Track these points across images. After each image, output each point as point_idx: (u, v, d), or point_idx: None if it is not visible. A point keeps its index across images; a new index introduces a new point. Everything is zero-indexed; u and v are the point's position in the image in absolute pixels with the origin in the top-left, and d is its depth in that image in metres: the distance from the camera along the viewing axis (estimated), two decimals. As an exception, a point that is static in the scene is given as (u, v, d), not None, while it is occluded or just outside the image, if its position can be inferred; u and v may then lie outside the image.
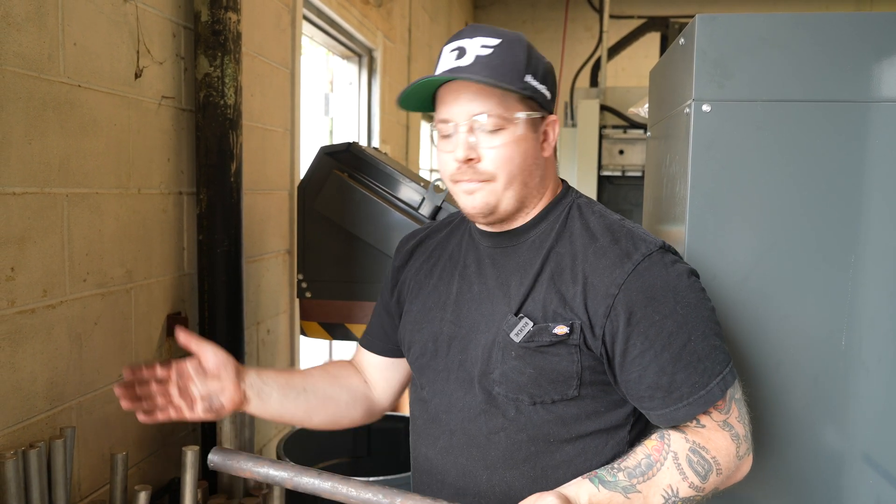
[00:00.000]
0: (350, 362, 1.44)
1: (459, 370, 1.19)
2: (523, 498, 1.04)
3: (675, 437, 1.08)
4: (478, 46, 1.11)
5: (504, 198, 1.14)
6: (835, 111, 1.34)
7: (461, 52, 1.12)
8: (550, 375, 1.11)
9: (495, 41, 1.12)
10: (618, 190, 4.29)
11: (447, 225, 1.35)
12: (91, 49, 1.72)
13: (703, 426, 1.09)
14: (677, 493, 1.05)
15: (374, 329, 1.41)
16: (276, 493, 2.00)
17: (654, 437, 1.09)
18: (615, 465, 1.06)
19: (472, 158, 1.11)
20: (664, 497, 1.04)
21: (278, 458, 2.16)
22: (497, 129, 1.11)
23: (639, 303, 1.07)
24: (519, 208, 1.17)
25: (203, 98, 2.12)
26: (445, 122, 1.14)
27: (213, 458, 1.15)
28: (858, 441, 1.37)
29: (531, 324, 1.11)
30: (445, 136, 1.15)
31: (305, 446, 2.29)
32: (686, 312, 1.08)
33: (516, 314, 1.13)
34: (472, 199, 1.14)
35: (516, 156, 1.12)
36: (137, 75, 1.91)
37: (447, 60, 1.13)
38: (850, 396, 1.38)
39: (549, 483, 1.12)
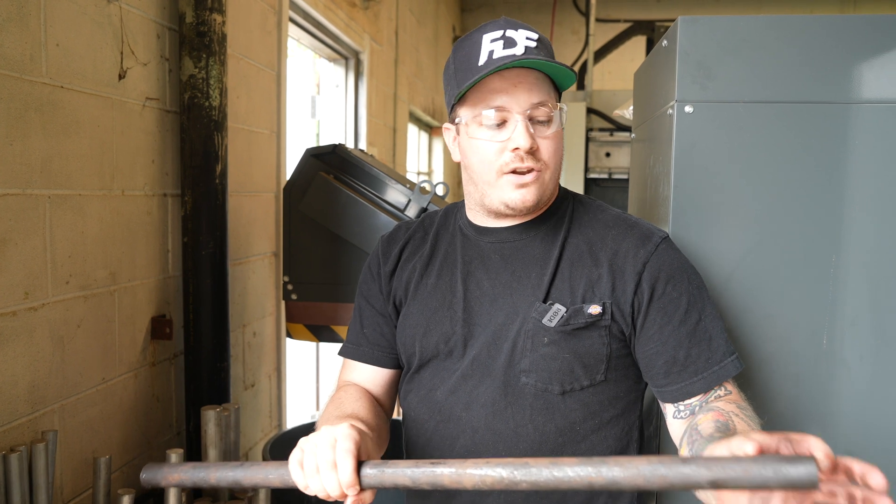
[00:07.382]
0: (363, 389, 1.30)
1: (478, 366, 1.18)
2: (550, 494, 1.09)
3: (720, 403, 1.06)
4: (524, 38, 1.13)
5: (548, 189, 1.17)
6: (816, 112, 1.36)
7: (509, 42, 1.12)
8: (584, 359, 1.13)
9: (535, 35, 1.14)
10: (604, 192, 4.30)
11: (429, 226, 1.33)
12: (74, 50, 1.70)
13: (730, 392, 1.10)
14: None
15: (377, 340, 1.32)
16: (262, 494, 1.99)
17: (701, 415, 1.04)
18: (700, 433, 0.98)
19: (535, 148, 1.13)
20: None
21: (264, 460, 2.14)
22: (549, 120, 1.14)
23: (661, 280, 1.13)
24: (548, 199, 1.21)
25: (188, 99, 2.11)
26: (501, 110, 1.13)
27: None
28: (840, 440, 1.38)
29: (563, 308, 1.13)
30: (491, 126, 1.14)
31: (292, 448, 2.27)
32: (697, 293, 1.14)
33: (544, 301, 1.15)
34: (524, 193, 1.15)
35: (560, 147, 1.18)
36: (121, 76, 1.90)
37: (496, 49, 1.12)
38: (831, 395, 1.39)
39: None
